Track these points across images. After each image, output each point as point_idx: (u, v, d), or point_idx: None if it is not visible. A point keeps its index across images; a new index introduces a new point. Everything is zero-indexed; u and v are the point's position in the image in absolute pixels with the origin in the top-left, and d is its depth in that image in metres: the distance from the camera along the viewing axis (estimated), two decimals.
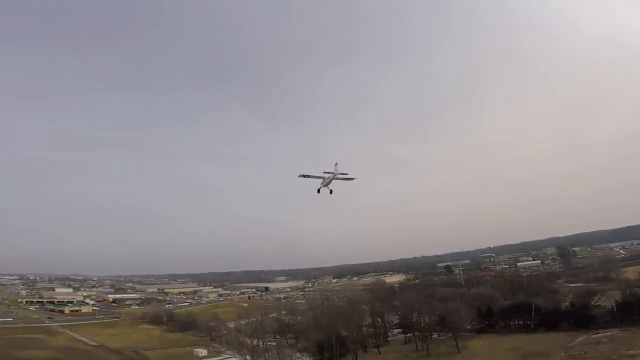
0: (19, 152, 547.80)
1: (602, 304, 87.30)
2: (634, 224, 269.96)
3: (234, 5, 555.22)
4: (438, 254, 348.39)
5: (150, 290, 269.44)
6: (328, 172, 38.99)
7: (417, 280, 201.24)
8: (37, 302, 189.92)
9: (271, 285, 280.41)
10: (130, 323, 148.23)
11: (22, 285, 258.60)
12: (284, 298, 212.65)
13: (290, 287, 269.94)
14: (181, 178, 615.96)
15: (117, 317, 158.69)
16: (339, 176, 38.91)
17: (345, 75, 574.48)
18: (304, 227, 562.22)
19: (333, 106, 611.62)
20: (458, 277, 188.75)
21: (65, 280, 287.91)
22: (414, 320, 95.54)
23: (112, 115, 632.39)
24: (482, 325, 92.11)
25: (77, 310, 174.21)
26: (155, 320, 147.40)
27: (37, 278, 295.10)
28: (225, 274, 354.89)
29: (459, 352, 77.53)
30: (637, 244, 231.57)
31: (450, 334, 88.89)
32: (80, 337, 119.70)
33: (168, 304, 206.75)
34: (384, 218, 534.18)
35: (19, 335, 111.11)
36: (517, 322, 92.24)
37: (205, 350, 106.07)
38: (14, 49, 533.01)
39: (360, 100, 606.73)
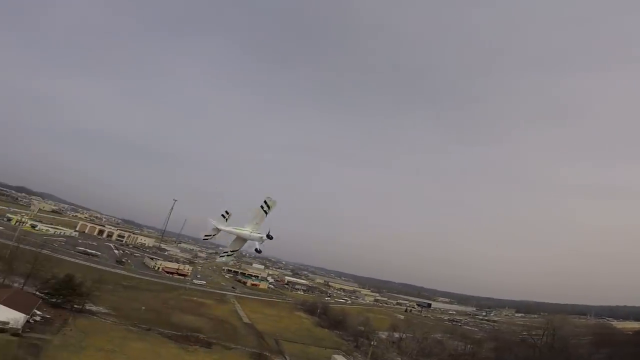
0: None
1: None
2: None
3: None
4: None
5: (318, 280, 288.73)
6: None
7: None
8: (233, 271, 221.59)
9: (433, 304, 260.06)
10: (289, 307, 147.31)
11: None
12: (450, 320, 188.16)
13: (455, 311, 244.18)
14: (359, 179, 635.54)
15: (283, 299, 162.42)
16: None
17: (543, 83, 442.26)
18: (479, 251, 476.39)
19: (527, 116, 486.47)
20: None
21: (264, 259, 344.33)
22: None
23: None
24: None
25: (256, 285, 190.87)
26: (311, 309, 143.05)
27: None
28: (384, 281, 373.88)
29: None
30: None
31: None
32: (239, 311, 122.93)
33: (328, 296, 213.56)
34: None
35: (195, 298, 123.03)
36: None
37: None
38: None
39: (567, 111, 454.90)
